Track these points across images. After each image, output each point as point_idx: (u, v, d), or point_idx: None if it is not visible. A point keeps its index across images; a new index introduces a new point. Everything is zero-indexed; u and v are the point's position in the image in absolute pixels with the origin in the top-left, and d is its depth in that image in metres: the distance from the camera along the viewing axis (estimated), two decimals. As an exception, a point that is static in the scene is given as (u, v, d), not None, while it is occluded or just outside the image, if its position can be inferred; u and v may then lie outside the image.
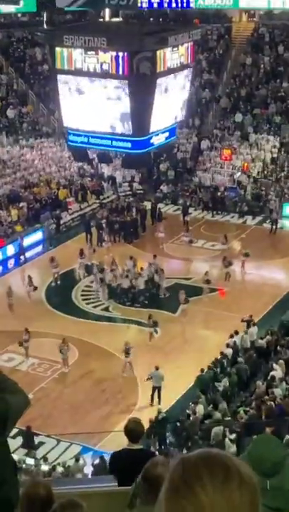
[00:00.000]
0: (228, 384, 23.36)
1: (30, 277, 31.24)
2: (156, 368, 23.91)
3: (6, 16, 49.92)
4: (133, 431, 6.44)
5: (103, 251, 35.48)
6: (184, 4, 39.77)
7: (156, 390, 23.91)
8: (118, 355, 26.38)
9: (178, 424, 22.17)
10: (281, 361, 23.69)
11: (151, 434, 21.45)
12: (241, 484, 1.73)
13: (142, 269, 32.09)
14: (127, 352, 25.35)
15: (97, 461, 20.06)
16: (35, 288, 30.89)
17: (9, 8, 44.35)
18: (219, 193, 41.40)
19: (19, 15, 51.09)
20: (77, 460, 20.52)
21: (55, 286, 32.57)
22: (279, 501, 2.89)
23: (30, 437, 21.66)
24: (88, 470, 20.08)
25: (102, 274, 31.72)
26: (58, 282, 32.69)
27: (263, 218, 39.40)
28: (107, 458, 19.32)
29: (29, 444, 21.73)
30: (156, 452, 19.20)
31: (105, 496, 4.80)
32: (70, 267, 33.55)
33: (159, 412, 22.21)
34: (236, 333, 25.97)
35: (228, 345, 25.40)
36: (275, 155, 43.09)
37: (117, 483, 5.26)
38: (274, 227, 37.64)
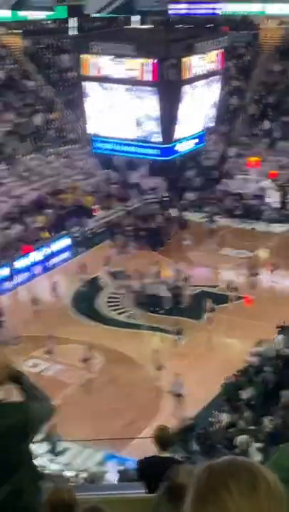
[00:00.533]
0: (253, 393, 23.19)
1: (56, 283, 31.37)
2: (176, 375, 23.84)
3: (34, 22, 50.27)
4: (162, 439, 6.39)
5: (128, 258, 35.47)
6: (212, 11, 39.73)
7: (178, 397, 23.82)
8: (142, 362, 26.35)
9: (202, 432, 22.04)
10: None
11: (175, 441, 21.35)
12: (268, 491, 1.70)
13: (167, 276, 32.05)
14: (159, 368, 25.24)
15: (120, 468, 19.99)
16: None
17: (38, 15, 44.62)
18: (246, 201, 41.23)
19: (48, 22, 51.42)
20: (102, 466, 20.46)
21: (80, 293, 32.61)
22: None
23: (53, 438, 21.60)
24: (112, 477, 20.02)
25: (128, 281, 31.73)
26: (84, 288, 32.75)
27: (290, 226, 39.17)
28: (130, 465, 19.27)
29: (53, 446, 21.75)
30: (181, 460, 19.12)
31: (129, 503, 4.74)
32: (96, 274, 33.57)
33: (185, 419, 22.10)
34: (262, 341, 25.77)
35: (253, 354, 25.22)
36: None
37: (142, 490, 5.20)
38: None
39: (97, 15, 25.68)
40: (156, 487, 4.33)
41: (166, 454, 6.37)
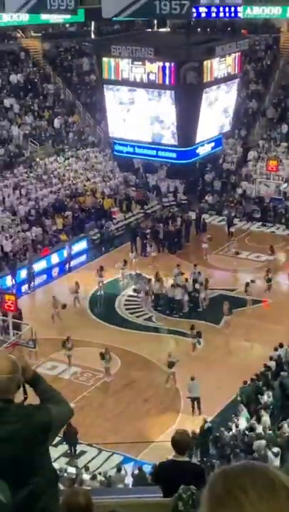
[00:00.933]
0: (271, 397, 23.10)
1: (75, 285, 31.37)
2: (192, 379, 23.80)
3: (54, 26, 50.48)
4: (180, 442, 6.38)
5: (148, 261, 35.48)
6: (232, 14, 39.54)
7: (196, 401, 23.78)
8: (160, 365, 26.34)
9: (219, 435, 21.97)
10: None
11: (193, 445, 21.31)
12: (286, 495, 1.69)
13: (186, 279, 32.01)
14: (171, 364, 25.28)
15: (135, 472, 19.98)
16: (64, 306, 30.39)
17: (57, 19, 44.74)
18: (265, 204, 41.15)
19: (67, 25, 51.60)
20: (119, 470, 20.47)
21: (98, 296, 32.65)
22: None
23: (73, 436, 21.63)
24: (129, 480, 20.02)
25: (148, 284, 31.75)
26: (102, 292, 32.74)
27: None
28: (146, 469, 19.28)
29: (71, 444, 21.83)
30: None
31: (145, 507, 4.73)
32: (114, 277, 33.60)
33: (205, 421, 22.06)
34: (281, 345, 25.68)
35: (271, 358, 25.14)
36: None
37: (157, 494, 5.18)
38: None
39: (118, 18, 25.59)
40: (170, 491, 4.32)
41: (185, 459, 6.35)
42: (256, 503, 1.65)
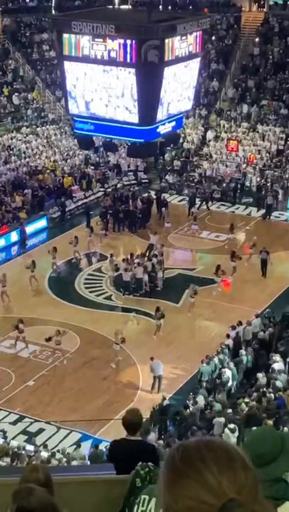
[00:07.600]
0: (229, 375, 23.34)
1: (33, 262, 31.05)
2: (152, 359, 23.89)
3: (14, 0, 49.77)
4: (131, 423, 6.41)
5: (108, 240, 35.37)
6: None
7: (157, 379, 23.90)
8: (120, 344, 26.39)
9: (178, 413, 22.16)
10: (282, 353, 23.67)
11: (151, 422, 21.46)
12: (244, 465, 1.74)
13: (150, 259, 31.99)
14: (120, 341, 25.41)
15: (92, 450, 20.11)
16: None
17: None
18: (224, 184, 41.29)
19: (27, 0, 50.97)
20: (79, 447, 20.56)
21: (57, 274, 32.48)
22: (272, 490, 2.89)
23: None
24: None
25: (107, 263, 31.73)
26: (58, 272, 32.51)
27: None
28: (102, 447, 19.44)
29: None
30: (156, 442, 19.27)
31: (104, 484, 4.76)
32: (73, 256, 33.45)
33: (164, 398, 22.21)
34: (240, 323, 25.90)
35: (228, 336, 25.35)
36: (281, 147, 42.94)
37: (114, 472, 5.22)
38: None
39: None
40: (125, 469, 4.36)
41: (137, 438, 6.39)
42: (216, 474, 1.69)
